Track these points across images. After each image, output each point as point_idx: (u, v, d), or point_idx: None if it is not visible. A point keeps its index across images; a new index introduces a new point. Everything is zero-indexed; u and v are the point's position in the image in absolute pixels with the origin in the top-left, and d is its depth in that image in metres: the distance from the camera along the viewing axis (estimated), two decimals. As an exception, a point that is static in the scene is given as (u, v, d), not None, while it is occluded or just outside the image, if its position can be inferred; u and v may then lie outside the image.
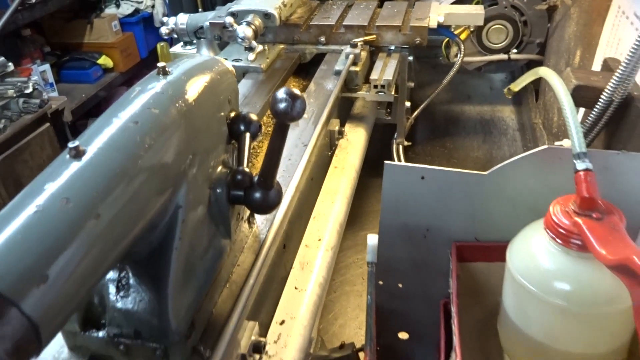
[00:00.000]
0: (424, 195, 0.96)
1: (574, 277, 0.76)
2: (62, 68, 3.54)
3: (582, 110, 1.19)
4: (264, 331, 0.93)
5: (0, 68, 2.28)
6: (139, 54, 3.74)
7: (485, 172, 0.92)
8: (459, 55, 1.90)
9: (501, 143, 2.34)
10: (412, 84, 1.92)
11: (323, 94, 1.49)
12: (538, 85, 2.32)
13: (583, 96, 1.03)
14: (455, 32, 2.00)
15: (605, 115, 1.03)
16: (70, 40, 3.64)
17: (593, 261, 0.76)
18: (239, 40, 1.51)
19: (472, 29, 2.06)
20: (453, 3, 2.06)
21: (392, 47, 1.71)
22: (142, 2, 3.77)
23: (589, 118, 1.05)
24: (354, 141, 1.51)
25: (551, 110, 1.95)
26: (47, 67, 3.22)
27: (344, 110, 1.65)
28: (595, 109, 1.03)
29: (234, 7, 1.62)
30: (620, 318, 0.76)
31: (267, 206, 0.80)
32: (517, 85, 1.15)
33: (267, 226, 0.97)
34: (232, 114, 0.84)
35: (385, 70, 1.58)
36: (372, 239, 0.86)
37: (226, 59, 1.49)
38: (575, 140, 0.79)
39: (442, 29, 1.80)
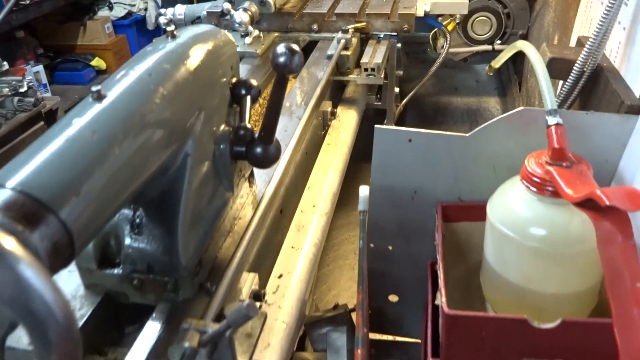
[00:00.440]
0: (412, 158, 1.03)
1: (548, 221, 0.84)
2: (55, 69, 3.59)
3: (559, 84, 1.27)
4: (263, 285, 0.99)
5: (-5, 67, 2.33)
6: (132, 55, 3.80)
7: (467, 134, 1.00)
8: (445, 45, 1.99)
9: (487, 132, 2.43)
10: (400, 72, 2.00)
11: (315, 77, 1.57)
12: (521, 77, 2.42)
13: (557, 68, 1.11)
14: (443, 24, 2.09)
15: (578, 85, 1.11)
16: (63, 42, 3.70)
17: (564, 207, 0.84)
18: (236, 25, 1.58)
19: (458, 21, 2.15)
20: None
21: (382, 35, 1.80)
22: (134, 4, 3.85)
23: (564, 89, 1.13)
24: (346, 121, 1.58)
25: (533, 96, 2.04)
26: (40, 68, 3.27)
27: (336, 94, 1.72)
28: (568, 80, 1.11)
29: (231, -5, 1.69)
30: (589, 258, 0.84)
31: (267, 160, 0.87)
32: (498, 62, 1.23)
33: (264, 187, 1.04)
34: (234, 80, 0.91)
35: (375, 55, 1.66)
36: (364, 190, 0.93)
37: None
38: (547, 99, 0.87)
39: (430, 18, 1.89)
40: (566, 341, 0.81)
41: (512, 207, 0.88)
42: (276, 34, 1.85)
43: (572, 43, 1.44)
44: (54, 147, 0.56)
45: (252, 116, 1.55)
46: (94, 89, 0.64)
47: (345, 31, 1.65)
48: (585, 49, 1.08)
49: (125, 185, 0.62)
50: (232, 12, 1.57)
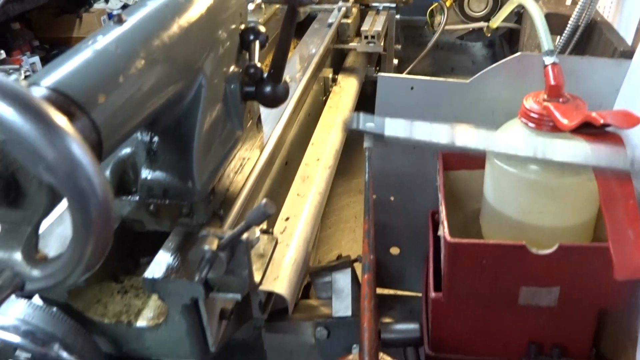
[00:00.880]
0: (413, 106, 1.07)
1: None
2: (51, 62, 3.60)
3: (556, 40, 1.31)
4: (271, 227, 1.03)
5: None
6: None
7: (467, 81, 1.04)
8: (442, 20, 2.03)
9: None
10: (399, 46, 2.04)
11: (316, 44, 1.60)
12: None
13: (553, 23, 1.15)
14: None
15: (573, 39, 1.15)
16: (58, 35, 3.71)
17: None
18: (238, -6, 1.61)
19: (455, -2, 2.20)
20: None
21: (381, 7, 1.83)
22: (131, -3, 3.87)
23: (559, 43, 1.18)
24: (347, 88, 1.62)
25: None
26: (36, 59, 3.29)
27: (336, 63, 1.76)
28: (564, 34, 1.16)
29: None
30: (584, 190, 0.88)
31: (277, 99, 0.91)
32: (496, 21, 1.27)
33: (270, 131, 1.08)
34: (242, 26, 0.95)
35: (375, 23, 1.70)
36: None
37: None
38: (544, 41, 0.91)
39: (428, -8, 1.93)
40: (563, 267, 0.85)
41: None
42: (277, 6, 1.88)
43: (568, 2, 1.49)
44: (82, 57, 0.60)
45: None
46: (114, 14, 0.67)
47: (346, 1, 1.69)
48: (579, 3, 1.12)
49: (145, 98, 0.65)
50: (235, -20, 1.60)
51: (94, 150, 0.56)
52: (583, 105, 0.86)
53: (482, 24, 2.33)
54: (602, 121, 0.73)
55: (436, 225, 1.15)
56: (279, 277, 0.90)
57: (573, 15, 1.14)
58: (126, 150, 0.81)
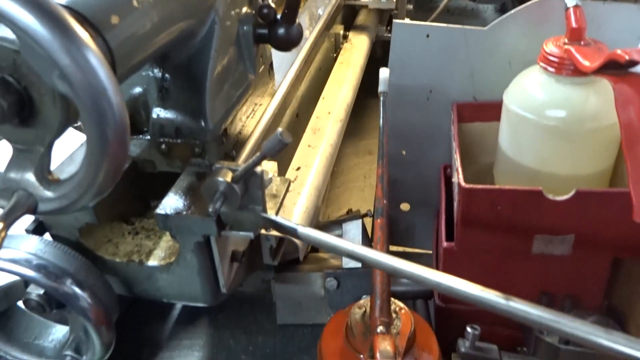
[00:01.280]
0: (428, 55, 1.05)
1: (564, 100, 0.86)
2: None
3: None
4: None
5: None
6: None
7: (485, 27, 1.01)
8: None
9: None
10: (410, 6, 2.00)
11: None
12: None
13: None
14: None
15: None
16: None
17: (581, 86, 0.86)
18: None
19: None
20: None
21: (393, -36, 1.79)
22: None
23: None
24: (358, 45, 1.59)
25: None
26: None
27: (347, 20, 1.73)
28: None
29: None
30: (603, 137, 0.86)
31: (290, 41, 0.88)
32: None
33: (281, 79, 1.06)
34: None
35: (387, -21, 1.66)
36: (384, 72, 0.95)
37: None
38: (566, -17, 0.88)
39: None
40: (580, 214, 0.83)
41: (529, 91, 0.90)
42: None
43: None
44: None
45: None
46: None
47: (358, -44, 1.65)
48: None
49: (158, 27, 0.63)
50: None
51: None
52: (605, 49, 0.83)
53: (496, -15, 2.28)
54: (627, 57, 0.71)
55: (448, 179, 1.13)
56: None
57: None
58: (138, 89, 0.80)
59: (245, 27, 0.86)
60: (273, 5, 0.88)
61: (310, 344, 1.15)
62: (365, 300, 0.85)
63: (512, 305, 0.54)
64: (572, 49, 0.83)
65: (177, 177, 0.79)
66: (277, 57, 1.09)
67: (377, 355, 0.70)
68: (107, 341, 0.76)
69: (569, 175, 0.90)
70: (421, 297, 1.11)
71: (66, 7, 0.52)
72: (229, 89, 0.82)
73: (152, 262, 0.78)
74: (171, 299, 0.82)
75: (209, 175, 0.64)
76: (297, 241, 0.86)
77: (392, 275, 0.78)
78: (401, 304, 0.85)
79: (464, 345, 0.86)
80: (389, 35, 1.89)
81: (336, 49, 1.56)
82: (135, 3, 0.59)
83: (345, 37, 1.58)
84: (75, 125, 0.54)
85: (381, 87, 0.91)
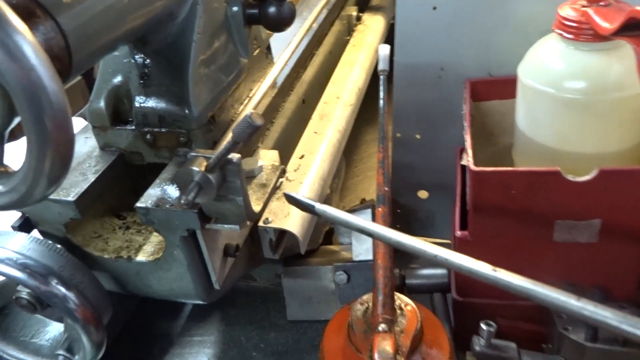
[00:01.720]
0: (437, 29, 0.97)
1: (584, 69, 0.77)
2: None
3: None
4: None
5: None
6: None
7: (497, -5, 0.93)
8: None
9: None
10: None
11: (341, -20, 1.50)
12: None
13: None
14: None
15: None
16: None
17: (602, 52, 0.77)
18: None
19: None
20: None
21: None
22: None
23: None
24: (372, 26, 1.51)
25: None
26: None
27: (362, 1, 1.66)
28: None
29: None
30: (631, 107, 0.77)
31: (282, 21, 0.83)
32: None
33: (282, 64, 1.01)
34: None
35: (403, -44, 1.57)
36: (384, 49, 0.88)
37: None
38: (585, -61, 0.79)
39: None
40: (605, 196, 0.75)
41: (544, 62, 0.82)
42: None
43: None
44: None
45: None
46: None
47: None
48: None
49: (125, 8, 0.59)
50: None
51: (62, 59, 0.51)
52: (628, 8, 0.74)
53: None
54: (651, 14, 0.62)
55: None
56: (289, 214, 0.84)
57: None
58: (119, 78, 0.76)
59: (234, 8, 0.82)
60: (262, -17, 0.83)
61: (322, 341, 1.10)
62: (368, 296, 0.79)
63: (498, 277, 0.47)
64: (591, 11, 0.74)
65: (168, 169, 0.76)
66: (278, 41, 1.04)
67: (375, 355, 0.64)
68: (97, 341, 0.73)
69: (593, 153, 0.81)
70: (438, 290, 1.05)
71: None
72: (216, 73, 0.78)
73: (140, 257, 0.75)
74: (164, 296, 0.79)
75: (183, 165, 0.59)
76: (297, 235, 0.81)
77: (395, 248, 0.72)
78: (407, 300, 0.78)
79: (478, 343, 0.80)
80: (409, 15, 1.81)
81: (349, 32, 1.49)
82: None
83: (358, 19, 1.51)
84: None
85: (381, 65, 0.84)
